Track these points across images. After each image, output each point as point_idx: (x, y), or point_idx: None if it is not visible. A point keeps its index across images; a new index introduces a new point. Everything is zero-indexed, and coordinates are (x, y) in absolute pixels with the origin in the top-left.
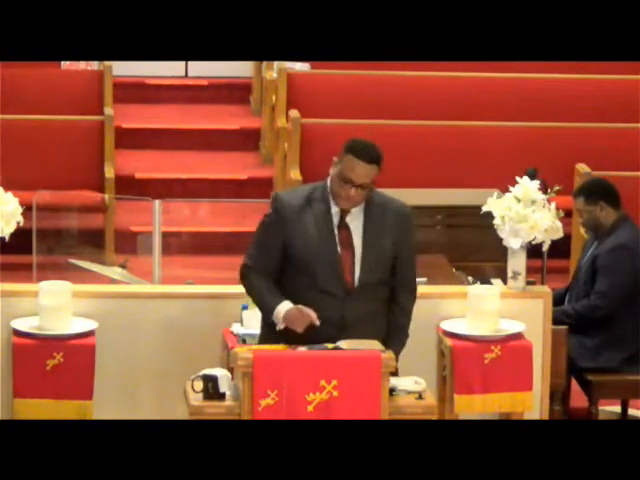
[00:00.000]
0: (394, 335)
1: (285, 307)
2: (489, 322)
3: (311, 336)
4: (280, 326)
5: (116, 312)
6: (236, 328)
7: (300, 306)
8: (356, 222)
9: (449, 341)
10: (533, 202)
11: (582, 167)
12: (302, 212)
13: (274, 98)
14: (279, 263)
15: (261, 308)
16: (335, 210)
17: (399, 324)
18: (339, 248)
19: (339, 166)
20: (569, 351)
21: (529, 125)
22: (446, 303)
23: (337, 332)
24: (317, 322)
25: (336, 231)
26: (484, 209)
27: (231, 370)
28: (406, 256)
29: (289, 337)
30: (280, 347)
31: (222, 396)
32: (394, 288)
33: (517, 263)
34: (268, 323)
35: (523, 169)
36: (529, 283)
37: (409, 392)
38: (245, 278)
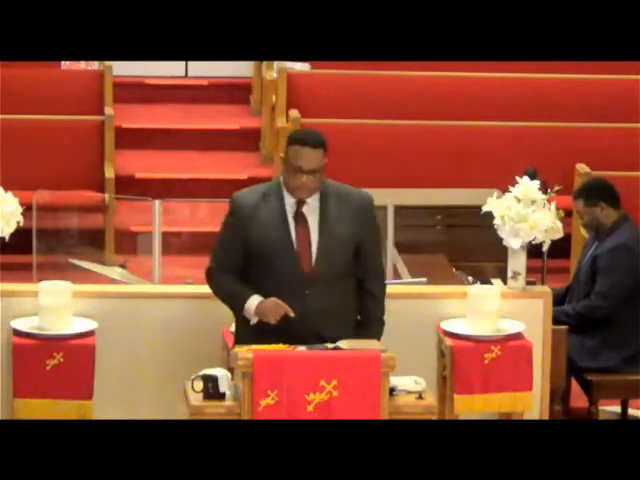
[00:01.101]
0: (369, 326)
1: (255, 301)
2: (489, 322)
3: (274, 333)
4: (253, 320)
5: (116, 312)
6: None
7: (273, 298)
8: (313, 214)
9: (449, 341)
10: (533, 202)
11: (582, 167)
12: (258, 208)
13: (274, 98)
14: (242, 262)
15: (231, 305)
16: (290, 202)
17: (373, 315)
18: (295, 239)
19: (286, 159)
20: (569, 351)
21: (529, 125)
22: (446, 303)
23: (300, 326)
24: (291, 313)
25: (292, 223)
26: (484, 209)
27: (231, 370)
28: (370, 244)
29: (262, 331)
30: (280, 347)
31: (222, 396)
32: (362, 279)
33: (517, 263)
34: (241, 319)
35: (523, 169)
36: (529, 283)
37: (409, 392)
38: (211, 280)
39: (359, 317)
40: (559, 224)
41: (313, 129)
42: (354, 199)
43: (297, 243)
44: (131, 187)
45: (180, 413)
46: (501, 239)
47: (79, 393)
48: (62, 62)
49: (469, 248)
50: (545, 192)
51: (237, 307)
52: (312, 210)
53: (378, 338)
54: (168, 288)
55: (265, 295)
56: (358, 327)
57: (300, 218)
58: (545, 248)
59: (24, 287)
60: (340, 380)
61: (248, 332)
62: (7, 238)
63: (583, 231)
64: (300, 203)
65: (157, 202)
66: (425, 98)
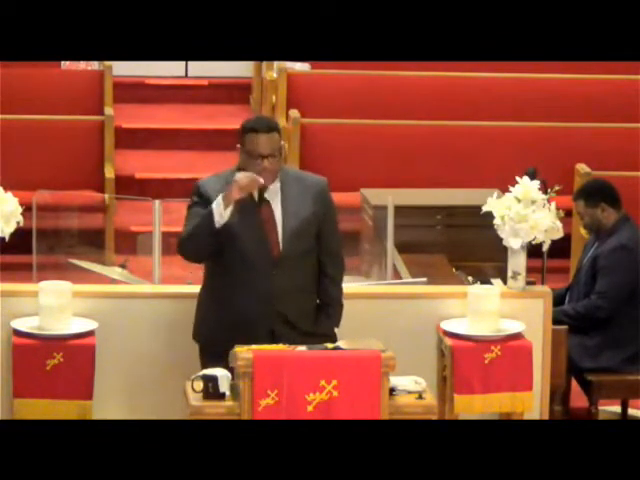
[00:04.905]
0: (328, 308)
1: (219, 198)
2: (489, 322)
3: (240, 313)
4: (225, 215)
5: (116, 312)
6: None
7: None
8: (275, 198)
9: (449, 341)
10: (533, 202)
11: (582, 167)
12: (222, 193)
13: (274, 98)
14: None
15: (200, 229)
16: None
17: (331, 295)
18: (261, 222)
19: (243, 149)
20: (569, 351)
21: (529, 125)
22: (446, 303)
23: (266, 306)
24: (261, 180)
25: (256, 207)
26: (484, 209)
27: (231, 370)
28: (329, 227)
29: (226, 311)
30: (280, 347)
31: (222, 396)
32: (321, 261)
33: (517, 263)
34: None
35: (523, 169)
36: (529, 283)
37: (409, 392)
38: (181, 244)
39: (318, 300)
40: (559, 224)
41: (265, 115)
42: (312, 182)
43: (263, 225)
44: (131, 187)
45: (180, 413)
46: (501, 239)
47: (79, 393)
48: (62, 62)
49: (469, 248)
50: (545, 192)
51: (204, 220)
52: (274, 194)
53: (338, 320)
54: (168, 288)
55: (233, 277)
56: (319, 309)
57: (263, 201)
58: (545, 248)
59: (24, 287)
60: (340, 380)
61: (212, 311)
62: (7, 238)
63: (583, 231)
64: (262, 189)
65: (157, 202)
66: (425, 98)
